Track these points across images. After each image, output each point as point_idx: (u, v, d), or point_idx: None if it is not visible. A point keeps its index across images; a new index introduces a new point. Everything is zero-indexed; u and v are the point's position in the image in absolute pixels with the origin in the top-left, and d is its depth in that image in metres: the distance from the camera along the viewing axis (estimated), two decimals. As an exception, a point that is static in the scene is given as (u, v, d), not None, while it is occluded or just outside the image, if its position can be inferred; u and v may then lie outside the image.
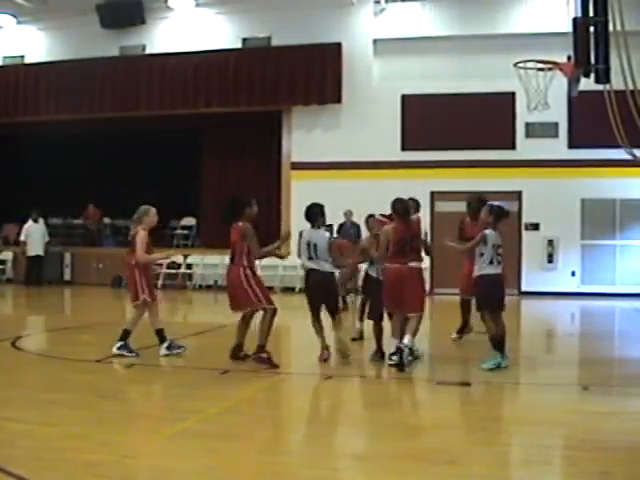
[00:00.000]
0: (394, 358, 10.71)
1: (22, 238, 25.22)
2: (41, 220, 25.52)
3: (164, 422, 7.86)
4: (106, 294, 23.68)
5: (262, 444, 7.26)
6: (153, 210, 11.96)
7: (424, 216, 22.51)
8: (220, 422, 8.03)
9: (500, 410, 8.93)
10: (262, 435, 7.60)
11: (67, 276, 26.35)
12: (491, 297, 10.96)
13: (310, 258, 11.17)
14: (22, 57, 27.74)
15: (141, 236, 11.60)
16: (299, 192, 23.90)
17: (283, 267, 22.51)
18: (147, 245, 11.69)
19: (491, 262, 10.91)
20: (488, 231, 11.01)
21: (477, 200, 13.07)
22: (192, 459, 6.59)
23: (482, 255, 10.94)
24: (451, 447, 7.10)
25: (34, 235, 25.06)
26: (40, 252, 25.18)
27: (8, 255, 26.90)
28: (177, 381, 10.26)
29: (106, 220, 28.30)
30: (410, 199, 11.88)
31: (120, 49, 26.37)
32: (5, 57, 27.96)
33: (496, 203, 11.60)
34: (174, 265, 25.60)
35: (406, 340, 10.63)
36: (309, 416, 8.90)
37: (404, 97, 24.30)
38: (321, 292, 11.24)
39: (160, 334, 11.69)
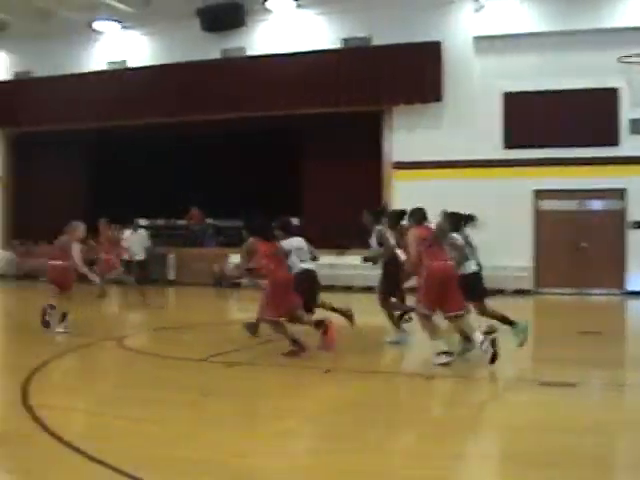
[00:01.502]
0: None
1: (124, 245, 25.65)
2: (141, 230, 25.76)
3: (266, 421, 7.90)
4: (208, 294, 23.93)
5: (364, 444, 7.20)
6: (82, 226, 14.69)
7: (527, 214, 22.34)
8: (322, 422, 8.05)
9: (605, 412, 8.73)
10: (364, 435, 7.54)
11: (171, 276, 26.71)
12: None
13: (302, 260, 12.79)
14: (125, 62, 28.30)
15: (78, 248, 14.26)
16: (401, 192, 23.82)
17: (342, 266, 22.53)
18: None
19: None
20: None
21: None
22: (293, 459, 6.63)
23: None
24: (554, 450, 6.97)
25: (134, 243, 25.44)
26: (141, 256, 25.52)
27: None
28: (280, 380, 10.31)
29: (209, 221, 28.58)
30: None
31: (222, 52, 26.65)
32: (109, 62, 28.53)
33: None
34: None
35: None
36: (411, 416, 8.82)
37: (506, 95, 24.00)
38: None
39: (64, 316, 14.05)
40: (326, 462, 6.60)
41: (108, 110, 27.26)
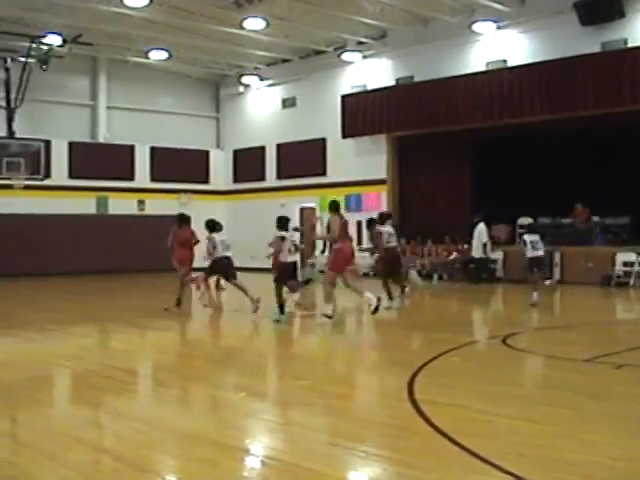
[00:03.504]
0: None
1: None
2: (480, 224, 26.12)
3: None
4: (595, 293, 23.44)
5: None
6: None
7: None
8: None
9: None
10: None
11: (557, 275, 26.30)
12: None
13: None
14: (504, 61, 28.40)
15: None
16: None
17: None
18: None
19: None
20: None
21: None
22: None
23: None
24: None
25: (475, 238, 25.91)
26: (475, 254, 25.86)
27: (499, 255, 27.58)
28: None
29: (595, 218, 27.89)
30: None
31: (601, 45, 25.96)
32: (488, 62, 28.81)
33: None
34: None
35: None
36: None
37: None
38: None
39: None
40: None
41: (488, 110, 27.56)
